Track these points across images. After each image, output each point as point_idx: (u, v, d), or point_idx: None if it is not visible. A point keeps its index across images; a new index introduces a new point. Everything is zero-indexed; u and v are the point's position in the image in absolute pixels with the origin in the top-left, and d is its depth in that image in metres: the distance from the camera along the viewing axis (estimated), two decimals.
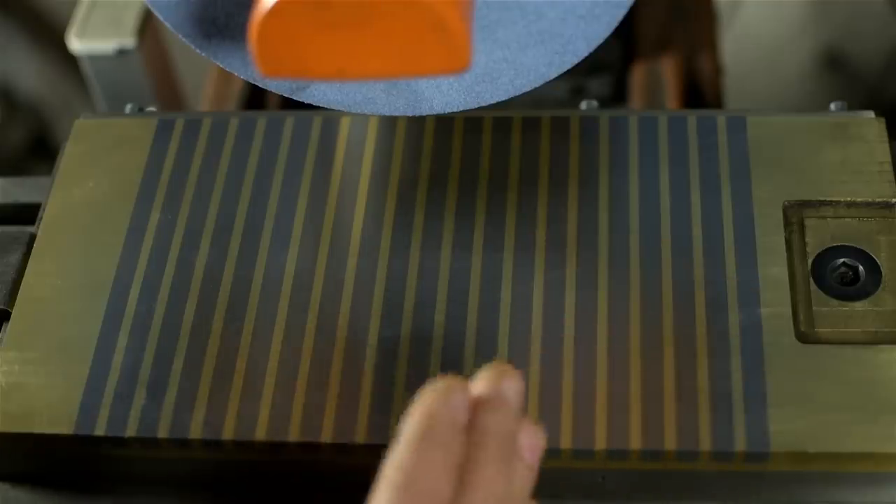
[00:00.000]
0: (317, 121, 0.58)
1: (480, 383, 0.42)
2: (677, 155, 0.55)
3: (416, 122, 0.57)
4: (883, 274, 0.51)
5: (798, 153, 0.55)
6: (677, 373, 0.49)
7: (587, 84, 0.78)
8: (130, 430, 0.49)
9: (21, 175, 0.64)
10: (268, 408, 0.49)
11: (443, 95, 0.53)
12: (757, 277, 0.51)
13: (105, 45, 0.74)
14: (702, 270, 0.51)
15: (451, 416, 0.40)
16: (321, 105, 0.54)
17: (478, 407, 0.41)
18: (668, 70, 0.74)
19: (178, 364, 0.51)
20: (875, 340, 0.50)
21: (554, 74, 0.51)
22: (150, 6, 0.51)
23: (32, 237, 0.56)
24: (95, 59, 0.74)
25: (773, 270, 0.51)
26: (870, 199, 0.53)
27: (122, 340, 0.52)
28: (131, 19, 0.74)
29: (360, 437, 0.48)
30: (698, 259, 0.52)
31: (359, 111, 0.54)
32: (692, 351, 0.49)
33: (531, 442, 0.42)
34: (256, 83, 0.53)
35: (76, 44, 0.74)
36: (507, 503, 0.40)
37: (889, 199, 0.53)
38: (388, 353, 0.50)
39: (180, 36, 0.52)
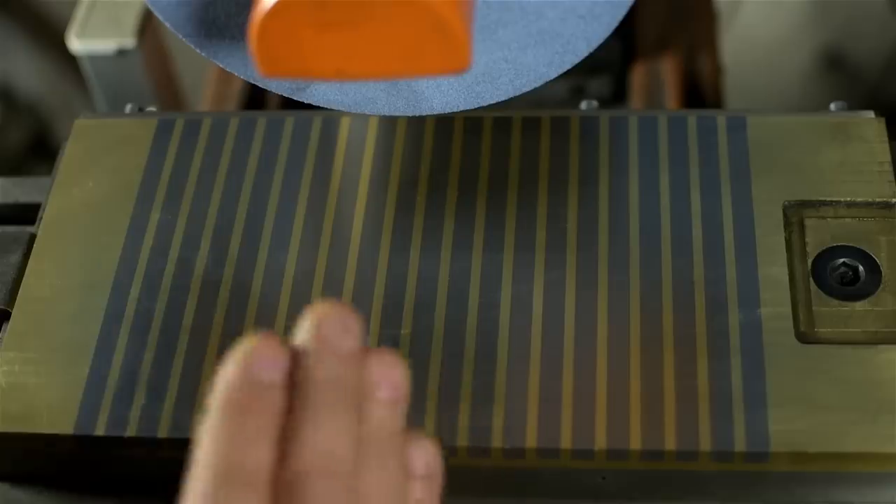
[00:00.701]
0: (317, 121, 0.58)
1: (299, 333, 0.37)
2: (677, 155, 0.55)
3: (416, 122, 0.57)
4: (883, 274, 0.51)
5: (798, 153, 0.55)
6: (677, 373, 0.49)
7: (587, 84, 0.78)
8: (130, 430, 0.49)
9: (21, 175, 0.64)
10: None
11: (443, 95, 0.53)
12: (757, 277, 0.51)
13: (105, 45, 0.74)
14: (702, 270, 0.51)
15: (253, 378, 0.36)
16: (321, 105, 0.54)
17: (297, 358, 0.37)
18: (668, 70, 0.74)
19: (178, 364, 0.51)
20: (875, 340, 0.50)
21: (554, 74, 0.51)
22: (150, 6, 0.51)
23: (32, 237, 0.56)
24: (95, 59, 0.74)
25: (773, 270, 0.51)
26: (870, 199, 0.53)
27: (122, 340, 0.52)
28: (131, 19, 0.74)
29: None
30: (698, 259, 0.52)
31: (359, 111, 0.54)
32: (692, 351, 0.49)
33: (386, 375, 0.38)
34: (256, 83, 0.53)
35: (76, 44, 0.74)
36: (348, 453, 0.36)
37: (889, 199, 0.53)
38: None
39: (180, 36, 0.52)
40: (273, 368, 0.36)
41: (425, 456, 0.39)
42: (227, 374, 0.36)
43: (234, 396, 0.36)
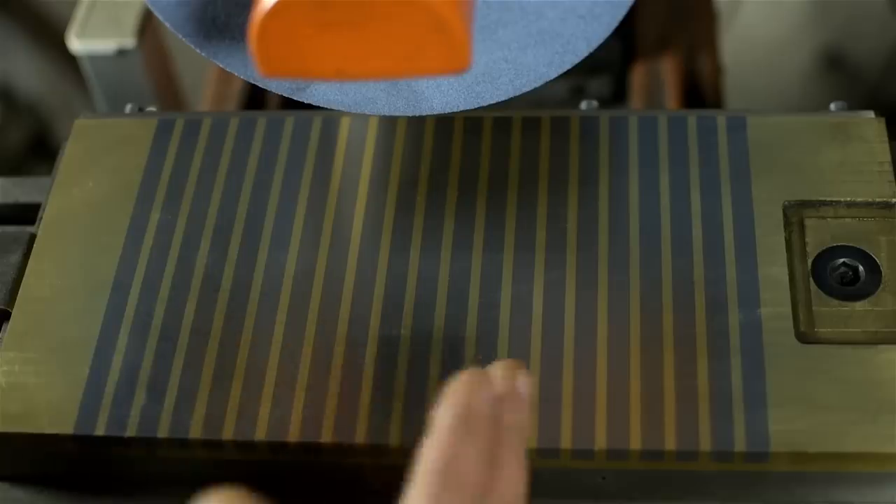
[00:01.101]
0: (317, 121, 0.58)
1: (499, 381, 0.42)
2: (677, 155, 0.55)
3: (416, 122, 0.57)
4: (883, 274, 0.51)
5: (798, 153, 0.55)
6: (677, 373, 0.49)
7: (587, 84, 0.78)
8: (130, 430, 0.49)
9: (21, 175, 0.64)
10: (268, 408, 0.49)
11: (443, 95, 0.53)
12: (757, 277, 0.51)
13: (105, 45, 0.74)
14: (702, 270, 0.51)
15: (483, 408, 0.41)
16: (321, 105, 0.54)
17: (500, 403, 0.41)
18: (668, 70, 0.74)
19: (178, 364, 0.51)
20: (875, 340, 0.50)
21: (554, 74, 0.51)
22: (150, 6, 0.51)
23: (32, 237, 0.56)
24: (95, 59, 0.74)
25: (773, 270, 0.51)
26: (870, 199, 0.53)
27: (122, 340, 0.52)
28: (131, 19, 0.74)
29: (360, 437, 0.48)
30: (698, 259, 0.52)
31: (359, 111, 0.54)
32: (692, 351, 0.49)
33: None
34: (256, 83, 0.53)
35: (76, 44, 0.74)
36: (519, 501, 0.41)
37: (889, 199, 0.53)
38: (388, 353, 0.50)
39: (180, 36, 0.52)
40: (493, 405, 0.41)
41: None
42: (466, 397, 0.41)
43: (471, 420, 0.40)
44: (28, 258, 0.55)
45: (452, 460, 0.39)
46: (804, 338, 0.50)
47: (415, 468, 0.39)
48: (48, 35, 1.11)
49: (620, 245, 0.52)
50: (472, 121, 0.57)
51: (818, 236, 0.53)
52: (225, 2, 0.51)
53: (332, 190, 0.55)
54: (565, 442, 0.48)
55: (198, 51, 0.52)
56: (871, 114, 0.56)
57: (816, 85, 1.11)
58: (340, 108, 0.54)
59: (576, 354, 0.50)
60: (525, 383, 0.43)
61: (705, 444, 0.47)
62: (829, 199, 0.53)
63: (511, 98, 0.52)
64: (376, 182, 0.55)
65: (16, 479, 0.52)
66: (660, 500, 0.49)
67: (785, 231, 0.53)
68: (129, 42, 0.73)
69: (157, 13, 0.51)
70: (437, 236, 0.53)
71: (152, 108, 0.61)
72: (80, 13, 0.74)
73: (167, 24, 0.52)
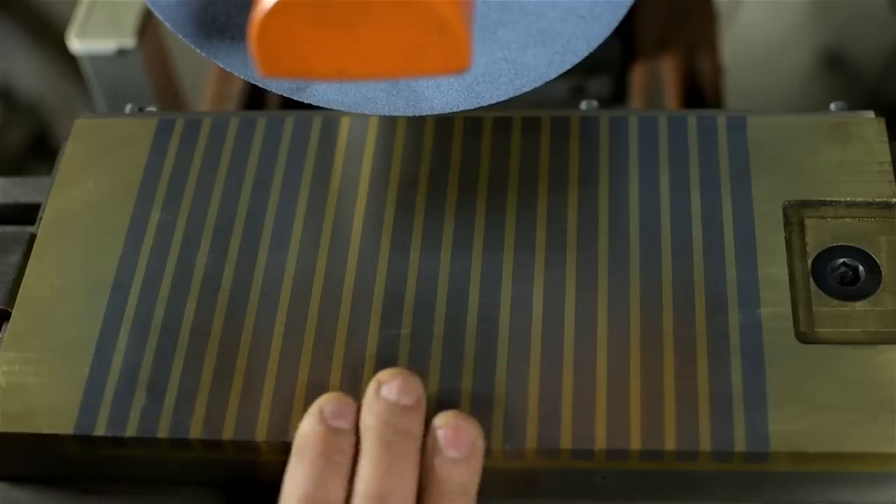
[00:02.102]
0: (317, 121, 0.58)
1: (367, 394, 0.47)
2: (677, 155, 0.55)
3: (416, 122, 0.57)
4: (883, 274, 0.51)
5: (798, 153, 0.55)
6: (677, 373, 0.49)
7: (587, 84, 0.78)
8: (130, 430, 0.49)
9: (21, 175, 0.64)
10: (268, 408, 0.49)
11: (443, 95, 0.53)
12: (757, 277, 0.51)
13: (105, 45, 0.74)
14: (702, 270, 0.51)
15: (326, 426, 0.45)
16: (321, 105, 0.54)
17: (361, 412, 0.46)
18: (668, 70, 0.74)
19: (178, 364, 0.51)
20: (875, 340, 0.50)
21: (554, 74, 0.51)
22: (150, 6, 0.51)
23: (32, 237, 0.56)
24: (95, 59, 0.74)
25: (773, 270, 0.51)
26: (870, 199, 0.53)
27: (122, 340, 0.52)
28: (131, 19, 0.74)
29: None
30: (698, 259, 0.52)
31: (359, 111, 0.54)
32: (692, 351, 0.49)
33: (452, 434, 0.46)
34: (256, 83, 0.53)
35: (76, 44, 0.74)
36: (392, 495, 0.43)
37: (889, 199, 0.53)
38: (389, 352, 0.50)
39: (180, 36, 0.52)
40: (342, 419, 0.46)
41: None
42: (304, 425, 0.46)
43: (311, 442, 0.45)
44: (28, 258, 0.55)
45: (307, 486, 0.43)
46: (804, 338, 0.50)
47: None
48: (48, 35, 1.11)
49: (620, 245, 0.52)
50: (472, 121, 0.57)
51: (818, 236, 0.53)
52: (225, 2, 0.51)
53: (332, 190, 0.55)
54: (565, 442, 0.48)
55: (198, 51, 0.52)
56: (871, 114, 0.56)
57: (816, 85, 1.11)
58: (340, 108, 0.54)
59: (576, 354, 0.50)
60: (392, 386, 0.46)
61: (705, 444, 0.47)
62: (829, 199, 0.53)
63: (511, 98, 0.52)
64: (376, 182, 0.55)
65: (16, 479, 0.52)
66: (660, 500, 0.49)
67: (785, 231, 0.53)
68: (129, 42, 0.73)
69: (157, 13, 0.51)
70: (437, 236, 0.53)
71: (152, 108, 0.61)
72: (80, 13, 0.74)
73: (167, 24, 0.52)
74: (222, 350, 0.51)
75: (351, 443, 0.46)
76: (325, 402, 0.47)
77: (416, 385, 0.47)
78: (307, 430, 0.46)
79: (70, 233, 0.55)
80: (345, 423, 0.46)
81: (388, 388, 0.47)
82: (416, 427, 0.46)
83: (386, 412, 0.46)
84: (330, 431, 0.46)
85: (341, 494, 0.44)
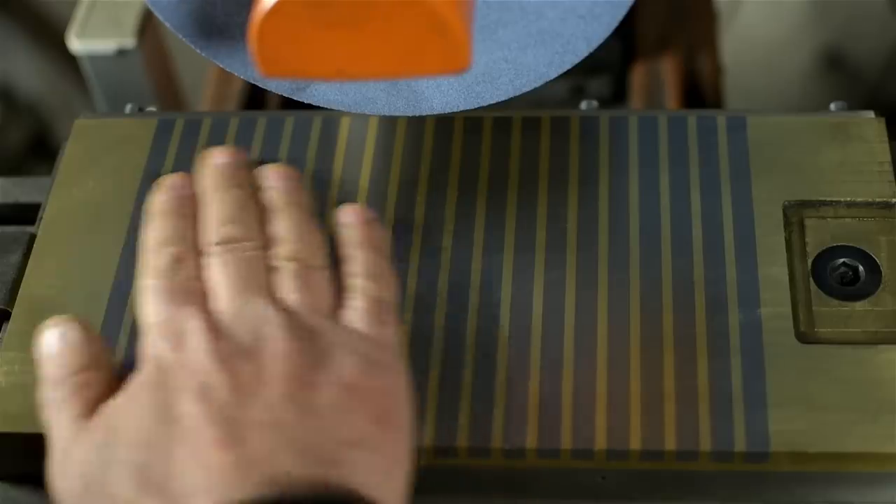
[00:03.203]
0: (317, 121, 0.58)
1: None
2: (677, 155, 0.55)
3: (416, 122, 0.57)
4: (883, 274, 0.51)
5: (798, 153, 0.55)
6: (677, 373, 0.49)
7: (587, 84, 0.78)
8: None
9: (21, 175, 0.64)
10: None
11: (443, 95, 0.53)
12: (757, 277, 0.51)
13: (105, 45, 0.74)
14: (702, 270, 0.51)
15: (172, 192, 0.49)
16: (321, 105, 0.54)
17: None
18: (668, 70, 0.74)
19: None
20: (875, 340, 0.50)
21: (554, 74, 0.51)
22: (150, 6, 0.51)
23: (32, 237, 0.56)
24: (95, 59, 0.74)
25: (773, 270, 0.51)
26: (870, 199, 0.53)
27: (122, 340, 0.52)
28: (131, 19, 0.74)
29: None
30: (698, 259, 0.52)
31: (359, 111, 0.54)
32: (692, 351, 0.49)
33: (272, 168, 0.49)
34: (256, 83, 0.53)
35: (76, 44, 0.74)
36: (239, 216, 0.47)
37: (889, 199, 0.53)
38: None
39: (180, 36, 0.52)
40: (186, 185, 0.49)
41: (355, 210, 0.49)
42: (154, 199, 0.49)
43: (163, 205, 0.49)
44: (28, 258, 0.55)
45: (163, 233, 0.47)
46: (804, 338, 0.50)
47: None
48: (48, 35, 1.11)
49: (620, 245, 0.52)
50: (472, 121, 0.57)
51: (818, 236, 0.53)
52: (225, 2, 0.51)
53: (332, 190, 0.55)
54: (565, 442, 0.48)
55: (198, 51, 0.52)
56: (871, 114, 0.56)
57: (816, 85, 1.11)
58: (340, 108, 0.54)
59: (576, 354, 0.50)
60: (219, 156, 0.50)
61: (705, 444, 0.47)
62: (829, 199, 0.53)
63: (511, 98, 0.52)
64: (376, 182, 0.55)
65: (16, 479, 0.52)
66: (660, 500, 0.49)
67: (785, 231, 0.53)
68: (129, 42, 0.73)
69: (157, 13, 0.51)
70: (436, 236, 0.53)
71: (152, 108, 0.61)
72: (80, 13, 0.74)
73: (167, 24, 0.52)
74: None
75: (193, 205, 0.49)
76: (170, 176, 0.50)
77: (241, 151, 0.51)
78: (155, 201, 0.49)
79: (70, 233, 0.55)
80: (187, 191, 0.49)
81: (217, 156, 0.50)
82: (248, 178, 0.49)
83: (219, 168, 0.49)
84: (177, 199, 0.49)
85: (192, 234, 0.48)
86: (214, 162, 0.50)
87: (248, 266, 0.46)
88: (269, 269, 0.46)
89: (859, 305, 0.51)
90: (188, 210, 0.48)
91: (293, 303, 0.45)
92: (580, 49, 0.50)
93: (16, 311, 0.53)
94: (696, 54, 0.76)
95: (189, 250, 0.47)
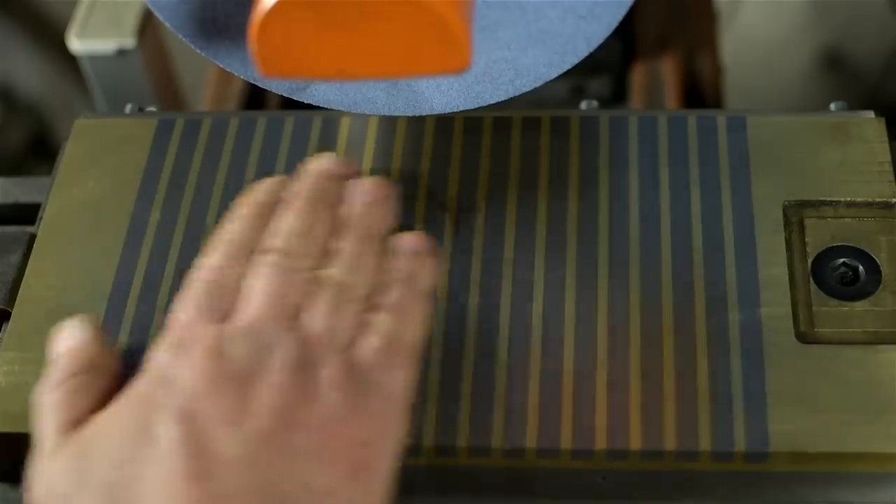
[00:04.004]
0: (317, 121, 0.58)
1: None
2: (677, 155, 0.55)
3: (416, 122, 0.57)
4: (883, 274, 0.51)
5: (798, 153, 0.55)
6: (677, 373, 0.49)
7: (587, 84, 0.78)
8: None
9: (21, 175, 0.64)
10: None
11: (443, 95, 0.53)
12: (757, 277, 0.51)
13: (105, 45, 0.74)
14: (702, 270, 0.51)
15: (261, 195, 0.48)
16: (321, 105, 0.54)
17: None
18: (668, 70, 0.74)
19: None
20: (875, 340, 0.50)
21: (554, 74, 0.51)
22: (150, 6, 0.51)
23: (32, 237, 0.56)
24: (95, 59, 0.74)
25: (773, 270, 0.51)
26: (870, 199, 0.53)
27: (122, 341, 0.52)
28: (131, 19, 0.74)
29: None
30: (698, 259, 0.52)
31: (359, 111, 0.54)
32: (692, 351, 0.49)
33: (362, 185, 0.48)
34: (256, 83, 0.53)
35: (76, 44, 0.74)
36: (313, 232, 0.46)
37: (889, 199, 0.53)
38: None
39: (180, 36, 0.52)
40: (276, 191, 0.48)
41: (413, 239, 0.48)
42: (244, 197, 0.48)
43: (243, 209, 0.48)
44: (28, 258, 0.55)
45: (236, 234, 0.47)
46: (804, 338, 0.50)
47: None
48: (48, 35, 1.11)
49: (620, 245, 0.52)
50: (472, 121, 0.57)
51: (818, 236, 0.53)
52: (225, 2, 0.51)
53: None
54: (565, 442, 0.48)
55: (198, 51, 0.52)
56: (871, 114, 0.56)
57: (816, 85, 1.11)
58: (340, 108, 0.54)
59: (576, 354, 0.50)
60: (320, 164, 0.49)
61: (705, 444, 0.47)
62: (829, 199, 0.53)
63: (511, 98, 0.52)
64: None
65: (16, 479, 0.52)
66: (660, 500, 0.49)
67: (785, 231, 0.53)
68: (129, 42, 0.73)
69: (157, 13, 0.51)
70: (436, 236, 0.53)
71: (152, 108, 0.61)
72: (80, 13, 0.74)
73: (167, 24, 0.52)
74: None
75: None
76: (263, 181, 0.49)
77: (350, 162, 0.49)
78: (248, 199, 0.48)
79: (70, 233, 0.55)
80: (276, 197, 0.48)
81: (317, 165, 0.49)
82: (333, 188, 0.48)
83: (310, 180, 0.48)
84: (266, 202, 0.48)
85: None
86: (313, 168, 0.48)
87: (290, 284, 0.45)
88: (309, 288, 0.45)
89: (859, 305, 0.51)
90: (268, 219, 0.47)
91: (313, 330, 0.44)
92: (580, 49, 0.50)
93: (16, 311, 0.53)
94: (696, 54, 0.76)
95: (243, 255, 0.46)
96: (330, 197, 0.48)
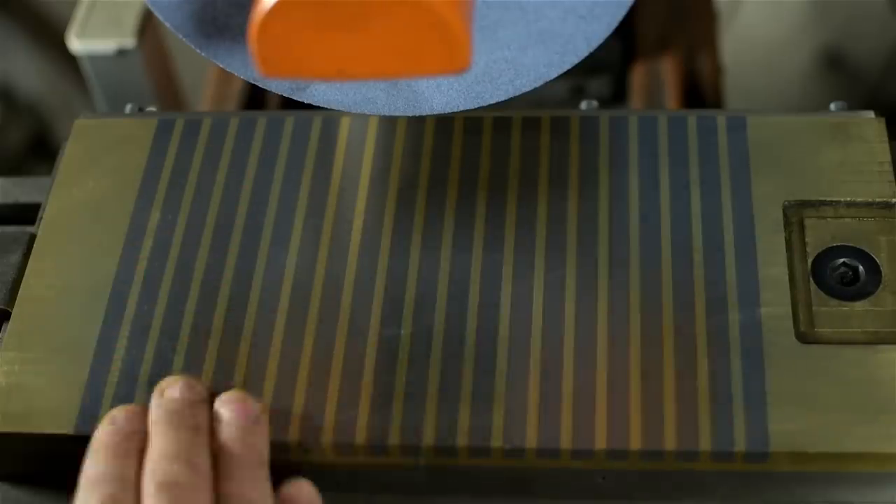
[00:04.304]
0: (317, 121, 0.58)
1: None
2: (677, 155, 0.55)
3: (416, 122, 0.57)
4: (883, 274, 0.51)
5: (798, 153, 0.55)
6: (677, 373, 0.49)
7: (587, 84, 0.78)
8: None
9: (21, 175, 0.64)
10: (268, 408, 0.49)
11: (443, 95, 0.53)
12: (757, 277, 0.51)
13: (105, 45, 0.74)
14: (702, 270, 0.51)
15: (117, 428, 0.47)
16: (321, 105, 0.54)
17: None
18: (668, 70, 0.74)
19: (178, 364, 0.51)
20: (875, 340, 0.50)
21: (554, 74, 0.51)
22: (150, 6, 0.51)
23: (32, 237, 0.56)
24: (95, 59, 0.74)
25: (773, 270, 0.51)
26: (870, 199, 0.53)
27: (122, 340, 0.52)
28: (131, 19, 0.74)
29: (360, 437, 0.48)
30: (698, 259, 0.52)
31: (359, 111, 0.54)
32: (692, 351, 0.49)
33: (229, 400, 0.48)
34: (256, 83, 0.54)
35: (76, 44, 0.74)
36: (186, 458, 0.45)
37: (889, 199, 0.53)
38: (389, 352, 0.50)
39: (180, 36, 0.52)
40: (133, 420, 0.48)
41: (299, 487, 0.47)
42: (99, 431, 0.47)
43: (106, 440, 0.47)
44: (28, 258, 0.55)
45: (104, 468, 0.46)
46: (804, 338, 0.50)
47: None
48: (48, 35, 1.11)
49: (620, 245, 0.52)
50: (472, 121, 0.57)
51: (818, 236, 0.53)
52: (225, 2, 0.51)
53: (332, 190, 0.55)
54: (565, 442, 0.48)
55: (198, 51, 0.52)
56: (871, 114, 0.56)
57: (816, 85, 1.11)
58: (340, 108, 0.54)
59: (576, 354, 0.50)
60: (175, 387, 0.48)
61: (705, 444, 0.47)
62: (829, 199, 0.53)
63: (511, 98, 0.52)
64: (376, 182, 0.55)
65: (16, 478, 0.52)
66: (660, 500, 0.49)
67: (785, 231, 0.53)
68: (129, 42, 0.73)
69: (157, 13, 0.52)
70: (436, 236, 0.53)
71: (152, 108, 0.62)
72: (80, 13, 0.74)
73: (167, 24, 0.52)
74: (222, 350, 0.51)
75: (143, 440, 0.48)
76: (118, 410, 0.48)
77: (199, 384, 0.49)
78: (103, 433, 0.47)
79: (70, 233, 0.55)
80: (136, 426, 0.48)
81: (171, 390, 0.48)
82: (203, 417, 0.48)
83: (172, 404, 0.48)
84: (123, 433, 0.47)
85: (135, 472, 0.46)
86: (167, 396, 0.48)
87: None
88: None
89: (859, 305, 0.51)
90: (133, 446, 0.47)
91: None
92: (580, 49, 0.50)
93: (16, 311, 0.53)
94: (696, 54, 0.76)
95: (126, 490, 0.45)
96: (196, 418, 0.47)
